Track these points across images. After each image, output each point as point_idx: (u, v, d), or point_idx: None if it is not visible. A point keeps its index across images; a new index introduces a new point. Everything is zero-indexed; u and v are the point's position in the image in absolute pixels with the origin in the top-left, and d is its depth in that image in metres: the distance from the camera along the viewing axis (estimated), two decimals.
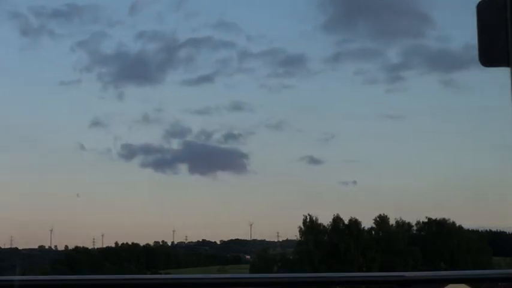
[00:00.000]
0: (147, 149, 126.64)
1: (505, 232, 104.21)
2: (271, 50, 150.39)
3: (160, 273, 69.90)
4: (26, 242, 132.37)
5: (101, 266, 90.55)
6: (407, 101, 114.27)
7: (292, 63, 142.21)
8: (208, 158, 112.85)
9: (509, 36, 4.35)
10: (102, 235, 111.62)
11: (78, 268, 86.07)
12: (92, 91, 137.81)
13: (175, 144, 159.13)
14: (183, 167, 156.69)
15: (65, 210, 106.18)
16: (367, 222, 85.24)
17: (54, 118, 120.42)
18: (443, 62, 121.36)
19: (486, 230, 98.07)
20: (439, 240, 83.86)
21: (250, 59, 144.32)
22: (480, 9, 4.53)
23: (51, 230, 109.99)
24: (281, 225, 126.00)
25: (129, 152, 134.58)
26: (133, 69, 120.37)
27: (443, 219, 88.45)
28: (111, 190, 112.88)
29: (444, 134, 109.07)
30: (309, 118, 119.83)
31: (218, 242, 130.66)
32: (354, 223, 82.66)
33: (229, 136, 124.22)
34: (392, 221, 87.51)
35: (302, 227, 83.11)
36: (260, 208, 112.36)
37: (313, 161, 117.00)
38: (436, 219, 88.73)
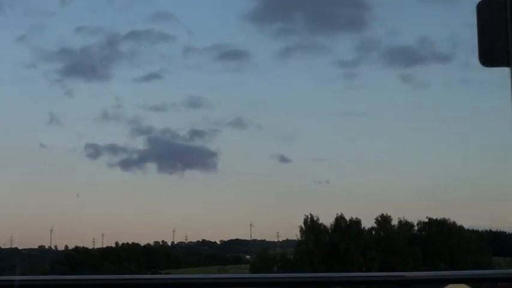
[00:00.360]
0: (112, 148, 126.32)
1: (505, 232, 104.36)
2: (215, 45, 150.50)
3: (160, 273, 69.87)
4: (26, 242, 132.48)
5: (101, 266, 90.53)
6: (366, 98, 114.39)
7: (238, 57, 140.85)
8: (177, 156, 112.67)
9: (509, 36, 4.35)
10: (102, 235, 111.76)
11: (78, 268, 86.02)
12: (41, 89, 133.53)
13: (140, 142, 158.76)
14: (152, 166, 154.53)
15: (65, 210, 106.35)
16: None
17: (7, 117, 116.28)
18: (399, 57, 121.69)
19: (486, 230, 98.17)
20: (439, 240, 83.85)
21: (195, 55, 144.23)
22: (480, 9, 4.53)
23: (51, 230, 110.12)
24: (281, 225, 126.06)
25: (94, 151, 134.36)
26: (79, 66, 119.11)
27: (444, 219, 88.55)
28: (87, 190, 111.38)
29: (413, 132, 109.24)
30: (269, 115, 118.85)
31: (218, 242, 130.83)
32: (355, 223, 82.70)
33: (195, 133, 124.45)
34: (388, 221, 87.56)
35: (303, 226, 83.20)
36: (242, 208, 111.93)
37: (284, 159, 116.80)
38: (436, 219, 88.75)
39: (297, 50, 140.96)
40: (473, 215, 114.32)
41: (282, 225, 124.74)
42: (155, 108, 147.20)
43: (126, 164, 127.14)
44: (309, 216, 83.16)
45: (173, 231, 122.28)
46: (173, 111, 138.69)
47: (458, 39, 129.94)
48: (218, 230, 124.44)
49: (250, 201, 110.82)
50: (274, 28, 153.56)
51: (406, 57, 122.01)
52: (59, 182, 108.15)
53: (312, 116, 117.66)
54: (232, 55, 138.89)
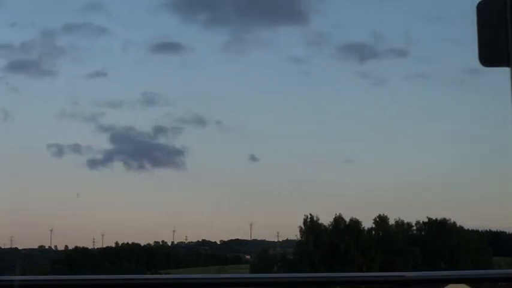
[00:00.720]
0: (76, 147, 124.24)
1: (505, 232, 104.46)
2: (151, 37, 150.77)
3: (160, 273, 69.83)
4: (26, 242, 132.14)
5: (101, 266, 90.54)
6: (325, 95, 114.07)
7: (177, 50, 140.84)
8: (143, 154, 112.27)
9: (509, 36, 4.36)
10: (102, 235, 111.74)
11: (78, 268, 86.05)
12: None
13: (104, 141, 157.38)
14: (118, 165, 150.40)
15: (65, 210, 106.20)
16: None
17: None
18: (353, 52, 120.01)
19: (486, 230, 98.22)
20: (439, 240, 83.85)
21: (134, 48, 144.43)
22: (480, 9, 4.54)
23: (51, 230, 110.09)
24: (281, 225, 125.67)
25: (58, 150, 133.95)
26: (22, 62, 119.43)
27: (444, 219, 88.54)
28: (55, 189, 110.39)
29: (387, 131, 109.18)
30: (228, 112, 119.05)
31: (218, 242, 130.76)
32: (354, 223, 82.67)
33: (158, 131, 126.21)
34: (386, 221, 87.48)
35: (303, 226, 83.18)
36: (225, 208, 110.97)
37: (253, 158, 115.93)
38: (436, 219, 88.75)
39: (237, 43, 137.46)
40: (473, 215, 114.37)
41: (281, 225, 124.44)
42: (111, 105, 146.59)
43: (93, 163, 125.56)
44: (309, 216, 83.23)
45: (173, 231, 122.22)
46: (130, 108, 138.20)
47: (412, 33, 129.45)
48: (219, 229, 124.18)
49: (233, 201, 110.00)
50: (201, 19, 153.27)
51: (360, 52, 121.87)
52: (32, 183, 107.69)
53: (272, 113, 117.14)
54: (170, 48, 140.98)
